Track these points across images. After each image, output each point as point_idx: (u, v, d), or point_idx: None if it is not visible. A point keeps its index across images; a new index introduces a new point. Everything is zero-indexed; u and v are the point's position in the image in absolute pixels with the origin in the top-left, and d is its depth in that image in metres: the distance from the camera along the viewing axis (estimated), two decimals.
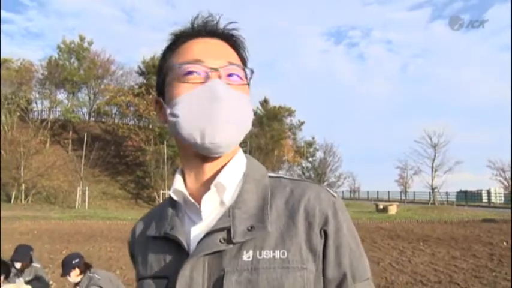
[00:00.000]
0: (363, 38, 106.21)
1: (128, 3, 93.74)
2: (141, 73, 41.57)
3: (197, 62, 0.81)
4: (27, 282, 4.89)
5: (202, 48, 0.83)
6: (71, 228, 17.24)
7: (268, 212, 0.77)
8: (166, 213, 0.85)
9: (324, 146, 46.19)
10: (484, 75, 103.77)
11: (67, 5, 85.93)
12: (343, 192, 55.50)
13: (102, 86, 42.48)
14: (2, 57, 39.63)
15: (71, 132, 40.17)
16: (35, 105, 43.86)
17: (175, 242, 0.78)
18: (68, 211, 26.78)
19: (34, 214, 22.75)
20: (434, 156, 39.46)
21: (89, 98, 43.18)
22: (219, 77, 0.79)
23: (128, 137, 35.61)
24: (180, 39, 0.86)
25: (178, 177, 0.85)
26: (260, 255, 0.73)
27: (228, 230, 0.75)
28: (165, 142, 33.77)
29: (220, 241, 0.74)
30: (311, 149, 49.61)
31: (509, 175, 39.23)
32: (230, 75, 0.82)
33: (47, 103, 43.02)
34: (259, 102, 46.25)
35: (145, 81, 39.73)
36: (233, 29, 0.88)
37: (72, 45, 41.35)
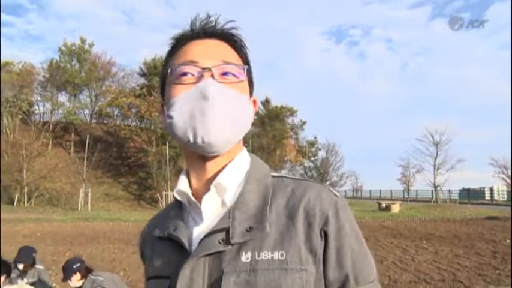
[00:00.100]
0: (364, 37, 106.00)
1: (128, 4, 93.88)
2: (143, 74, 41.65)
3: (191, 63, 0.81)
4: (31, 284, 4.90)
5: (198, 49, 0.84)
6: (73, 230, 17.27)
7: (267, 213, 0.77)
8: (172, 213, 0.86)
9: (326, 145, 46.15)
10: (485, 73, 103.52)
11: (67, 7, 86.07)
12: (345, 191, 55.39)
13: (104, 88, 42.56)
14: (3, 60, 39.82)
15: (72, 135, 40.21)
16: (36, 107, 44.04)
17: (178, 243, 0.79)
18: (71, 213, 26.82)
19: (37, 216, 22.79)
20: (437, 154, 39.48)
21: (91, 99, 43.27)
22: (212, 76, 0.80)
23: (130, 139, 35.68)
24: (180, 42, 0.87)
25: (182, 178, 0.86)
26: (259, 256, 0.73)
27: (227, 230, 0.75)
28: (167, 143, 33.79)
29: (219, 242, 0.74)
30: (313, 149, 49.60)
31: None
32: (225, 74, 0.82)
33: (48, 105, 43.16)
34: (261, 102, 46.23)
35: (146, 82, 39.82)
36: (232, 28, 0.88)
37: (73, 47, 41.44)
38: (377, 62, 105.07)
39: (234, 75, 0.82)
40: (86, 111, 44.24)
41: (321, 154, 47.75)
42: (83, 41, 42.01)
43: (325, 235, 0.76)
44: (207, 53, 0.83)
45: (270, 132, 42.23)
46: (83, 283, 3.99)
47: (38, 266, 5.16)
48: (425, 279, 7.80)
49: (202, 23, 0.87)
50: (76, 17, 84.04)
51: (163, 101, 0.87)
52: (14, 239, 12.98)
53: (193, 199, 0.82)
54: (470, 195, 42.90)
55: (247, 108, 0.84)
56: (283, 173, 0.89)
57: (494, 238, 12.74)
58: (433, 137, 39.39)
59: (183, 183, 0.85)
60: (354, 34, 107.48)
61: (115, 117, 46.07)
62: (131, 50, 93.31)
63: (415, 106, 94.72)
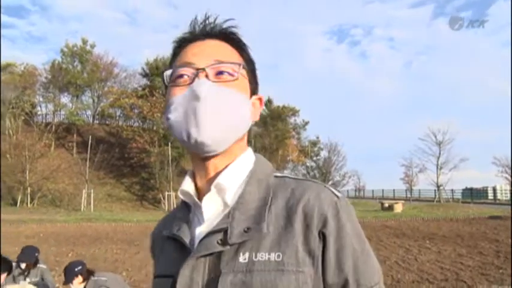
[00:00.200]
0: (365, 36, 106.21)
1: (130, 5, 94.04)
2: (145, 75, 41.63)
3: (187, 64, 0.82)
4: (34, 284, 4.92)
5: (194, 51, 0.84)
6: (76, 231, 17.29)
7: (266, 213, 0.76)
8: (179, 214, 0.87)
9: (328, 145, 46.06)
10: (488, 72, 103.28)
11: (69, 9, 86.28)
12: (348, 191, 55.33)
13: (106, 89, 42.64)
14: (5, 61, 39.93)
15: (75, 135, 40.26)
16: (39, 108, 44.07)
17: (181, 243, 0.80)
18: (74, 214, 26.85)
19: (40, 217, 22.81)
20: (439, 153, 39.42)
21: (93, 100, 43.37)
22: (207, 76, 0.80)
23: (132, 139, 35.66)
24: (181, 46, 0.88)
25: (186, 178, 0.87)
26: (256, 257, 0.73)
27: (226, 231, 0.75)
28: (169, 144, 33.79)
29: (217, 242, 0.74)
30: (315, 148, 49.50)
31: None
32: (220, 73, 0.82)
33: (51, 107, 43.14)
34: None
35: (148, 83, 39.79)
36: (231, 27, 0.88)
37: (75, 48, 41.43)
38: (379, 61, 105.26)
39: (230, 74, 0.82)
40: (88, 112, 44.41)
41: (323, 154, 47.73)
42: (84, 42, 42.04)
43: (324, 237, 0.75)
44: (203, 53, 0.83)
45: (272, 132, 42.20)
46: (85, 286, 3.99)
47: (41, 266, 5.18)
48: (428, 279, 7.79)
49: (201, 24, 0.88)
50: (78, 18, 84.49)
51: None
52: (17, 239, 13.01)
53: (196, 199, 0.83)
54: (473, 194, 42.77)
55: (243, 106, 0.83)
56: (286, 173, 0.89)
57: (497, 237, 12.71)
58: (435, 137, 39.39)
59: (186, 184, 0.85)
60: (356, 34, 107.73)
61: (117, 118, 46.07)
62: (133, 51, 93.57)
63: (417, 105, 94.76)
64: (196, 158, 0.84)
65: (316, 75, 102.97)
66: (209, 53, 0.83)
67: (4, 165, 29.87)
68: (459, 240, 12.67)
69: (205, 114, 0.76)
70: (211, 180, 0.82)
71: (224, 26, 0.88)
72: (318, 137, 49.75)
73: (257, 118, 0.90)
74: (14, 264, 4.84)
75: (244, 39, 0.89)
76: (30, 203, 31.20)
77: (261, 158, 0.89)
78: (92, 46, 42.37)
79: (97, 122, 45.17)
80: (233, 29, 0.88)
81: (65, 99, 43.33)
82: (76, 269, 3.98)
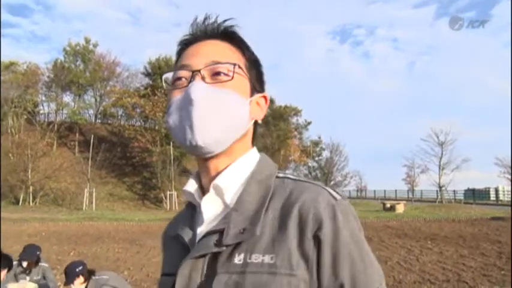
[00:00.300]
0: (368, 37, 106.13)
1: (133, 5, 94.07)
2: (147, 74, 41.67)
3: (184, 67, 0.82)
4: (35, 282, 4.93)
5: (192, 52, 0.84)
6: (78, 230, 17.34)
7: (262, 215, 0.75)
8: (186, 214, 0.88)
9: (330, 145, 46.03)
10: (491, 72, 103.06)
11: (72, 8, 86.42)
12: (350, 191, 55.26)
13: (108, 88, 42.61)
14: (9, 60, 40.04)
15: (77, 134, 40.32)
16: (41, 107, 44.16)
17: (184, 242, 0.81)
18: (76, 213, 26.92)
19: (42, 216, 22.89)
20: (441, 154, 39.35)
21: (95, 100, 43.33)
22: (203, 78, 0.80)
23: (134, 139, 35.68)
24: (183, 48, 0.88)
25: (190, 179, 0.87)
26: (250, 258, 0.72)
27: (222, 232, 0.75)
28: (171, 143, 33.79)
29: (214, 243, 0.74)
30: (317, 149, 49.48)
31: None
32: (217, 73, 0.81)
33: (53, 106, 43.21)
34: None
35: (151, 82, 39.79)
36: (231, 26, 0.87)
37: (78, 47, 41.46)
38: (381, 61, 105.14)
39: (225, 74, 0.81)
40: (91, 111, 44.36)
41: (325, 154, 47.70)
42: (87, 41, 42.07)
43: (319, 240, 0.72)
44: (199, 54, 0.83)
45: (274, 132, 42.17)
46: (86, 286, 3.99)
47: (43, 264, 5.20)
48: (430, 280, 7.78)
49: (200, 25, 0.87)
50: (81, 17, 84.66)
51: None
52: (19, 238, 13.05)
53: (197, 199, 0.83)
54: (475, 195, 42.72)
55: (240, 106, 0.82)
56: (289, 173, 0.88)
57: (499, 238, 12.69)
58: (437, 137, 39.32)
59: (189, 184, 0.86)
60: (358, 34, 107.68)
61: (119, 117, 46.14)
62: (136, 50, 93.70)
63: (420, 106, 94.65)
64: (199, 158, 0.84)
65: (318, 75, 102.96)
66: (207, 53, 0.83)
67: (6, 164, 29.94)
68: (461, 241, 12.65)
69: (199, 118, 0.76)
70: (212, 181, 0.82)
71: (225, 25, 0.87)
72: (320, 137, 49.78)
73: (261, 116, 0.89)
74: (15, 262, 4.86)
75: (246, 39, 0.89)
76: (33, 201, 31.30)
77: (264, 158, 0.88)
78: (95, 45, 42.43)
79: (99, 121, 45.20)
80: (234, 28, 0.87)
81: (67, 98, 43.47)
82: (77, 270, 3.97)
